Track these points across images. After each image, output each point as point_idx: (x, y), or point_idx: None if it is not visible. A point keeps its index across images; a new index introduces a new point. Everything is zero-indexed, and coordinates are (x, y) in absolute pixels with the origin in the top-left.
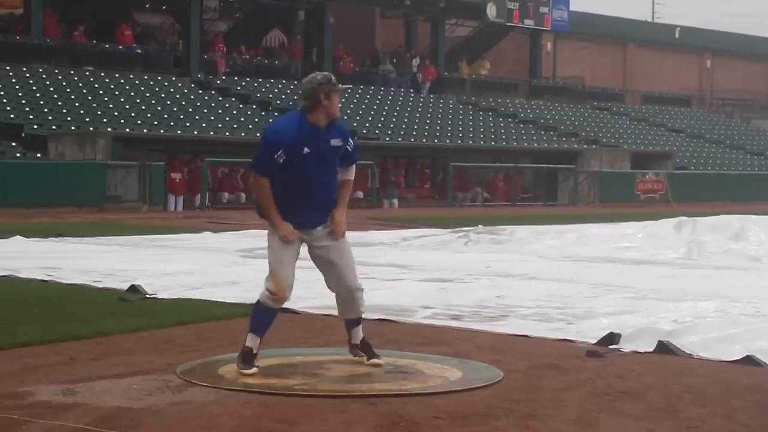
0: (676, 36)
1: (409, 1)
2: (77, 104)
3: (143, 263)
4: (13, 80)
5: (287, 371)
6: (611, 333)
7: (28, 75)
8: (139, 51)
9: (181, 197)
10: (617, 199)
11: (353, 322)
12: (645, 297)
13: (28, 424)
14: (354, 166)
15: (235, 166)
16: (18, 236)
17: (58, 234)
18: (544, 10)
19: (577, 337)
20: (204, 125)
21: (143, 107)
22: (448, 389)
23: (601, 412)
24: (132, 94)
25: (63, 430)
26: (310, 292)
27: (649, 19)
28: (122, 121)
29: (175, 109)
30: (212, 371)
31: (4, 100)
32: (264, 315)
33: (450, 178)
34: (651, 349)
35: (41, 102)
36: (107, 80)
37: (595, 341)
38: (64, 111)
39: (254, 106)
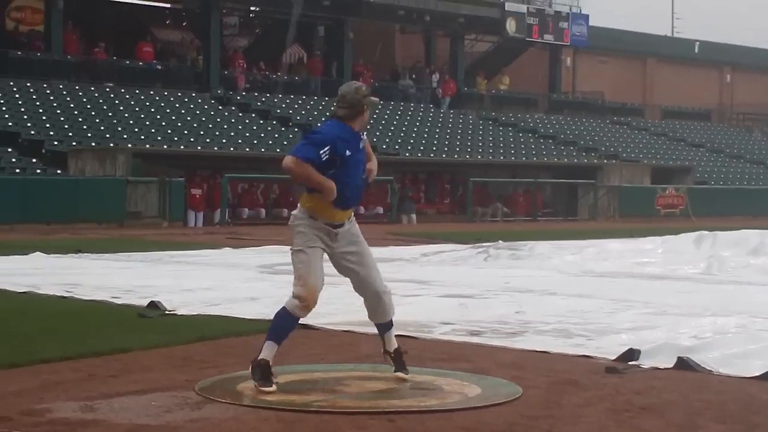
0: (696, 50)
1: (429, 17)
2: (97, 120)
3: (163, 279)
4: (34, 96)
5: (306, 387)
6: (631, 349)
7: (48, 91)
8: (159, 67)
9: (201, 213)
10: (637, 214)
11: (384, 327)
12: (665, 312)
13: None
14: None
15: (255, 181)
16: (38, 252)
17: (78, 250)
18: (563, 25)
19: (597, 353)
20: (224, 141)
21: (163, 123)
22: (467, 405)
23: (620, 429)
24: (152, 110)
25: None
26: (328, 308)
27: (669, 34)
28: (142, 137)
29: (195, 125)
30: (231, 388)
31: (25, 117)
32: (287, 323)
33: (470, 194)
34: (671, 365)
35: (62, 118)
36: (127, 96)
37: (614, 357)
38: (85, 127)
39: (274, 122)
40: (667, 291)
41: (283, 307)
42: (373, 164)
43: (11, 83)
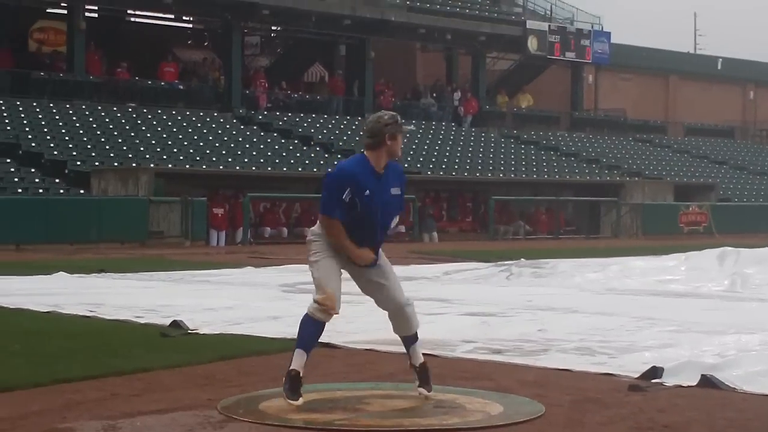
0: (719, 67)
1: (450, 35)
2: (120, 140)
3: (185, 298)
4: (57, 117)
5: (328, 406)
6: (654, 367)
7: (71, 112)
8: (181, 87)
9: (223, 232)
10: (660, 231)
11: (409, 340)
12: (688, 330)
13: None
14: (398, 216)
15: (277, 200)
16: (61, 272)
17: (101, 270)
18: (585, 42)
19: (620, 371)
20: (246, 160)
21: (185, 143)
22: (490, 424)
23: None
24: (174, 129)
25: None
26: (350, 327)
27: (691, 51)
28: (164, 156)
29: (217, 144)
30: (253, 406)
31: (48, 137)
32: (312, 328)
33: (492, 212)
34: (694, 383)
35: (84, 139)
36: (149, 116)
37: (637, 375)
38: (107, 147)
39: (296, 141)
40: (690, 309)
41: (306, 314)
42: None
43: (34, 104)
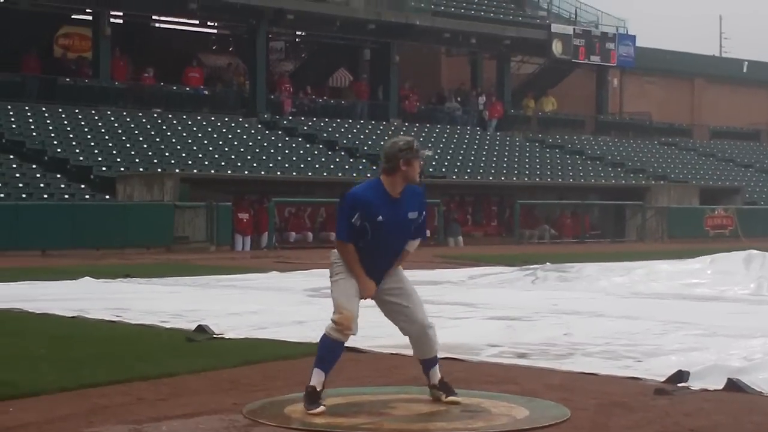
0: (744, 70)
1: (475, 39)
2: (145, 146)
3: (210, 303)
4: (82, 123)
5: (353, 410)
6: (680, 371)
7: (96, 117)
8: (206, 92)
9: (248, 237)
10: (686, 235)
11: (429, 363)
12: (714, 334)
13: None
14: (419, 240)
15: (302, 205)
16: (87, 277)
17: (127, 275)
18: (610, 46)
19: (646, 374)
20: (271, 165)
21: (210, 148)
22: (515, 428)
23: None
24: (199, 135)
25: None
26: (376, 332)
27: (717, 54)
28: (190, 162)
29: (242, 149)
30: (278, 411)
31: (74, 143)
32: (329, 349)
33: (517, 216)
34: (720, 387)
35: (110, 144)
36: (175, 122)
37: (663, 379)
38: (133, 153)
39: (321, 146)
40: (716, 312)
41: (324, 334)
42: (410, 245)
43: (60, 110)
